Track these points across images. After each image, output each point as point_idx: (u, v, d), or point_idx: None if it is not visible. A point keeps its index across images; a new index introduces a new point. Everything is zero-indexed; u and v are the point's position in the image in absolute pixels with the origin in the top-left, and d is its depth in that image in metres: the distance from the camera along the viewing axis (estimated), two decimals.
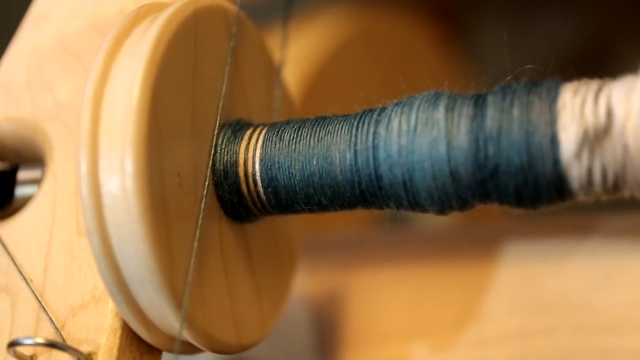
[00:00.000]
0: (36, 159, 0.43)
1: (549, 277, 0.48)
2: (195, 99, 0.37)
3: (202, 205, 0.37)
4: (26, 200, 0.42)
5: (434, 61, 0.91)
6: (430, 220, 0.72)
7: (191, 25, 0.37)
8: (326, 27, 0.78)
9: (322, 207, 0.37)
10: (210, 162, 0.38)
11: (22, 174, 0.42)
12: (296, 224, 0.45)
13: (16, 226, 0.40)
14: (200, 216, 0.36)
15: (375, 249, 0.54)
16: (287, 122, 0.38)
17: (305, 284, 0.52)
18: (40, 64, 0.44)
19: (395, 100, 0.37)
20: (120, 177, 0.33)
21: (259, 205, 0.38)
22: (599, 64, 0.99)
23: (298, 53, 0.72)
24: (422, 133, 0.35)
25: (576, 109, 0.33)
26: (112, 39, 0.36)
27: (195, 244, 0.36)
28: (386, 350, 0.50)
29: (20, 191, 0.42)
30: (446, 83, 0.37)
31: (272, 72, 0.44)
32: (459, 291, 0.50)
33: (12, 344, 0.36)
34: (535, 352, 0.47)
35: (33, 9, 0.46)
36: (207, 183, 0.37)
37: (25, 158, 0.43)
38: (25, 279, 0.39)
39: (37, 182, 0.42)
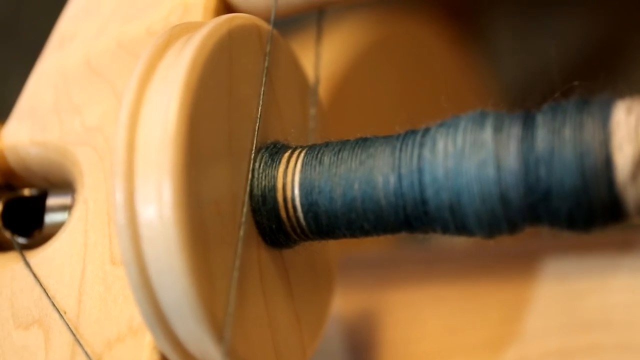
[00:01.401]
0: (65, 185, 0.42)
1: (590, 294, 0.47)
2: (232, 122, 0.36)
3: (241, 232, 0.35)
4: (56, 227, 0.40)
5: (451, 62, 0.91)
6: (457, 238, 0.70)
7: (226, 46, 0.36)
8: (347, 35, 0.77)
9: (365, 232, 0.36)
10: (248, 188, 0.36)
11: (51, 200, 0.41)
12: (332, 247, 0.43)
13: (47, 255, 0.39)
14: (240, 244, 0.35)
15: (409, 268, 0.52)
16: (327, 145, 0.37)
17: (338, 304, 0.51)
18: (67, 86, 0.42)
19: (439, 121, 0.35)
20: (158, 207, 0.32)
21: (298, 231, 0.37)
22: (612, 62, 0.98)
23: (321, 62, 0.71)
24: (469, 155, 0.33)
25: (631, 128, 0.32)
26: (145, 62, 0.35)
27: (235, 274, 0.35)
28: None
29: (49, 218, 0.41)
30: (490, 103, 0.36)
31: (306, 89, 0.42)
32: (498, 310, 0.48)
33: None
34: None
35: (57, 29, 0.45)
36: (245, 210, 0.36)
37: (53, 183, 0.42)
38: (58, 311, 0.37)
39: (67, 208, 0.41)
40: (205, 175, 0.34)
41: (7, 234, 0.41)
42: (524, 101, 0.35)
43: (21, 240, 0.41)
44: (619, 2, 1.02)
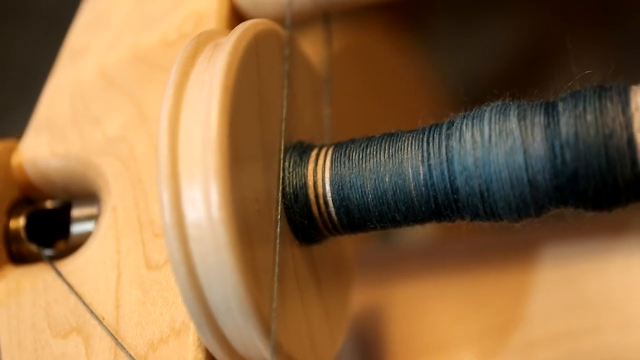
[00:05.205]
0: (87, 195, 0.42)
1: (589, 277, 0.49)
2: (263, 123, 0.37)
3: (278, 229, 0.37)
4: (82, 237, 0.41)
5: (403, 67, 0.94)
6: (422, 232, 0.72)
7: (254, 50, 0.37)
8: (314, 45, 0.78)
9: (395, 224, 0.38)
10: (280, 186, 0.38)
11: (76, 211, 0.42)
12: (349, 242, 0.45)
13: (79, 264, 0.40)
14: (277, 241, 0.36)
15: (411, 263, 0.54)
16: (352, 141, 0.38)
17: None
18: (84, 98, 0.43)
19: (461, 113, 0.37)
20: (206, 207, 0.33)
21: (330, 226, 0.38)
22: (544, 63, 1.02)
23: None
24: (497, 144, 0.35)
25: None
26: (178, 69, 0.36)
27: (276, 269, 0.36)
28: None
29: (75, 228, 0.42)
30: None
31: (318, 89, 0.44)
32: (502, 297, 0.50)
33: None
34: (584, 352, 0.48)
35: (68, 43, 0.45)
36: (280, 207, 0.37)
37: (74, 194, 0.43)
38: (96, 317, 0.38)
39: (93, 218, 0.41)
40: (246, 175, 0.35)
41: (33, 247, 0.42)
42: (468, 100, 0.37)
43: (47, 251, 0.42)
44: (545, 10, 1.06)
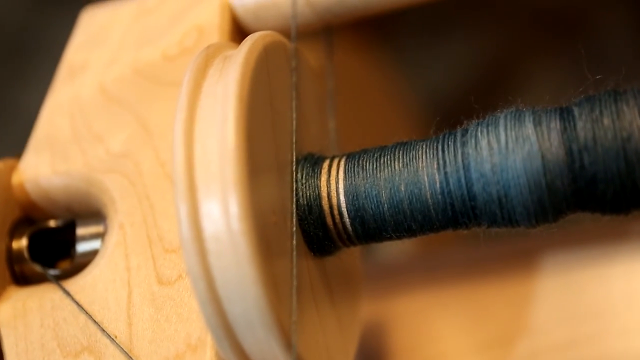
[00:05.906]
0: (90, 213, 0.41)
1: (591, 284, 0.49)
2: (276, 134, 0.36)
3: (294, 241, 0.36)
4: (88, 256, 0.40)
5: (376, 83, 0.95)
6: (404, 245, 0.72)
7: (264, 62, 0.36)
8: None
9: (411, 233, 0.37)
10: (294, 198, 0.37)
11: (81, 229, 0.41)
12: (357, 252, 0.44)
13: (87, 282, 0.39)
14: (294, 253, 0.36)
15: (412, 275, 0.54)
16: (365, 151, 0.38)
17: None
18: (84, 115, 0.42)
19: (475, 120, 0.37)
20: (225, 220, 0.32)
21: (344, 237, 0.38)
22: (510, 75, 1.04)
23: None
24: (514, 150, 0.35)
25: None
26: (190, 81, 0.35)
27: (294, 282, 0.35)
28: None
29: (80, 247, 0.41)
30: None
31: (322, 100, 0.43)
32: (504, 307, 0.50)
33: None
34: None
35: (65, 60, 0.45)
36: (294, 219, 0.37)
37: (77, 213, 0.42)
38: (109, 336, 0.37)
39: (98, 236, 0.40)
40: (262, 187, 0.34)
41: (37, 267, 0.41)
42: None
43: (52, 271, 0.41)
44: (508, 26, 1.08)
